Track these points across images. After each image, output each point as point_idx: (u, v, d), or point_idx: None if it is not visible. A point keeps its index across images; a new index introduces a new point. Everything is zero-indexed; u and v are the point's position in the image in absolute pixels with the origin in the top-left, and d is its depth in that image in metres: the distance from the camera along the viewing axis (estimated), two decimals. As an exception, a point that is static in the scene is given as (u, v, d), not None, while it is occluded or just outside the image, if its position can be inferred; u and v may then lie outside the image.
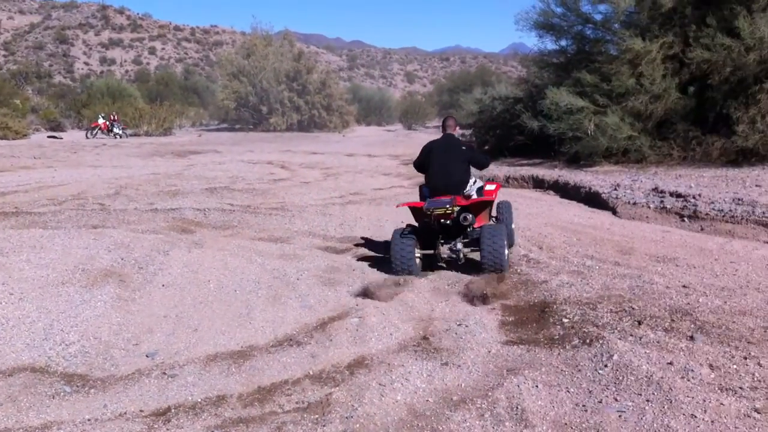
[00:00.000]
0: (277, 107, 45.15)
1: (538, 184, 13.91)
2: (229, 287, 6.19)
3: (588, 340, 4.57)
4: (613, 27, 16.17)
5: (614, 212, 10.39)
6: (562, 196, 12.57)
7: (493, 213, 7.96)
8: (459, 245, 6.91)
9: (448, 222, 6.85)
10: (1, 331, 4.81)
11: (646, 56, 14.42)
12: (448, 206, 6.66)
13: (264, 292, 6.08)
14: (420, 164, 7.85)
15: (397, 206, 8.07)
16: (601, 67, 15.18)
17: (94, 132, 35.78)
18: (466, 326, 5.07)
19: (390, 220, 9.89)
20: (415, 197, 8.40)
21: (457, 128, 8.31)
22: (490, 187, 7.77)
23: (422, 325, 5.19)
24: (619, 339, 4.53)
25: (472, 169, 7.65)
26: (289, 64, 46.58)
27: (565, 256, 7.33)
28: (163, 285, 6.19)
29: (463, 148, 7.65)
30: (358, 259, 7.51)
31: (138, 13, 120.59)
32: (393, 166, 19.31)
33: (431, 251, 7.00)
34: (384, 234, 8.93)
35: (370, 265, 7.20)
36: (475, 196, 7.31)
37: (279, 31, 53.27)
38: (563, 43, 18.32)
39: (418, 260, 6.92)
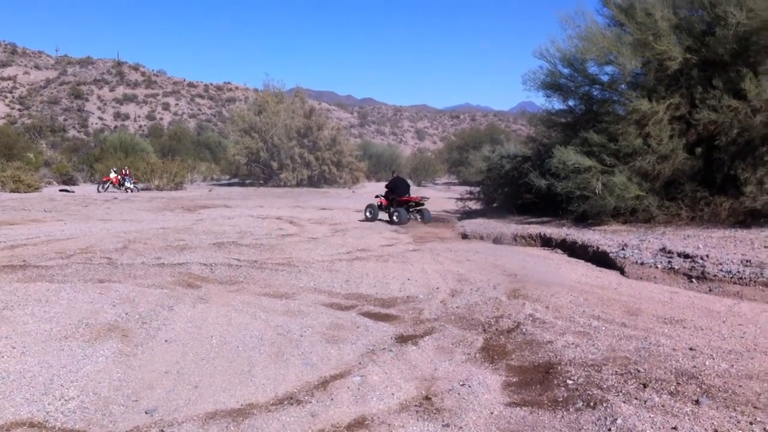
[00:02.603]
0: (288, 163, 45.48)
1: (546, 242, 13.87)
2: (231, 343, 6.17)
3: (592, 403, 4.52)
4: (619, 88, 16.29)
5: (622, 272, 10.34)
6: (569, 255, 12.53)
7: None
8: (416, 213, 19.61)
9: (417, 203, 19.74)
10: (2, 385, 4.78)
11: (652, 117, 14.51)
12: (421, 199, 20.00)
13: (267, 348, 6.04)
14: (390, 188, 20.18)
15: (376, 196, 20.84)
16: (609, 127, 15.27)
17: (106, 186, 36.10)
18: (469, 386, 5.02)
19: (396, 276, 9.90)
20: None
21: (396, 174, 21.74)
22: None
23: (425, 385, 5.13)
24: (624, 402, 4.47)
25: None
26: (300, 121, 47.03)
27: (571, 316, 7.26)
28: (165, 340, 6.17)
29: (408, 182, 21.29)
30: (363, 317, 7.47)
31: (153, 70, 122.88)
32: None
33: (387, 214, 19.62)
34: (389, 291, 8.93)
35: (374, 322, 7.16)
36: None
37: (291, 89, 54.01)
38: (571, 103, 18.47)
39: (380, 216, 19.83)
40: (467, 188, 25.90)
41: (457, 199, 23.00)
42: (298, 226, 17.68)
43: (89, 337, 6.06)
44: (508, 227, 15.59)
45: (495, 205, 20.63)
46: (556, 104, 18.86)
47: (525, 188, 17.74)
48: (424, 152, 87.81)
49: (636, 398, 4.56)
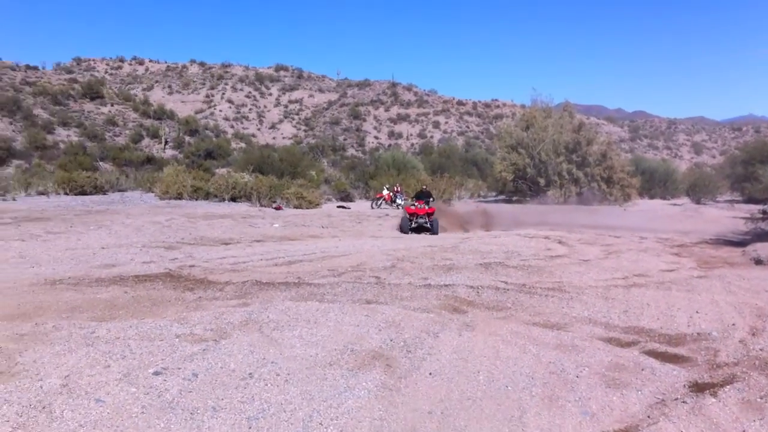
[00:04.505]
0: (555, 179, 44.31)
1: None
2: (500, 381, 5.64)
3: None
4: None
5: None
6: None
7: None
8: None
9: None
10: (261, 420, 4.63)
11: None
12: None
13: (539, 390, 5.44)
14: (415, 197, 23.15)
15: (405, 208, 23.10)
16: None
17: (379, 202, 37.46)
18: (793, 461, 4.06)
19: (681, 308, 8.81)
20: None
21: (425, 187, 26.16)
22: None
23: (733, 453, 4.25)
24: None
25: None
26: (569, 136, 45.55)
27: None
28: (430, 373, 5.79)
29: (431, 196, 23.19)
30: (646, 356, 6.59)
31: (424, 90, 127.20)
32: (682, 245, 17.73)
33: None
34: (675, 326, 7.92)
35: (661, 364, 6.27)
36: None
37: (559, 103, 52.61)
38: None
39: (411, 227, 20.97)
40: (756, 207, 23.26)
41: (746, 218, 20.61)
42: (568, 247, 16.80)
43: (353, 366, 5.85)
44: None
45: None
46: None
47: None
48: (702, 167, 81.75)
49: None
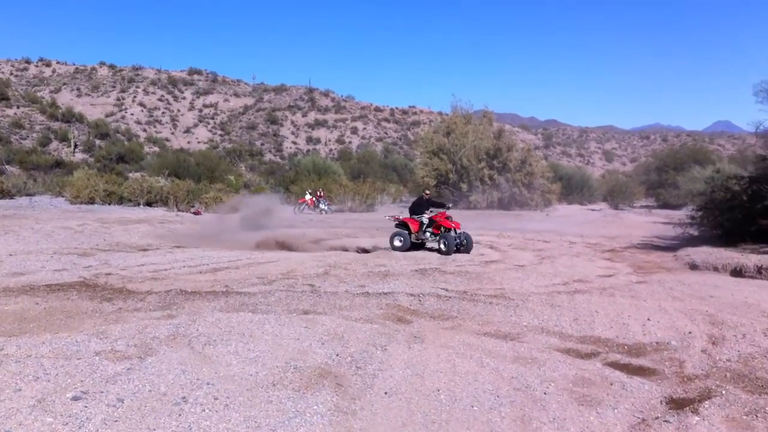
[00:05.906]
0: (477, 185, 44.43)
1: (799, 275, 11.83)
2: (464, 400, 5.10)
3: None
4: None
5: None
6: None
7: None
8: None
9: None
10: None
11: None
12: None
13: (507, 410, 4.92)
14: (413, 210, 17.03)
15: (392, 217, 18.04)
16: None
17: (301, 207, 36.69)
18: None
19: (631, 315, 8.48)
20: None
21: (427, 192, 18.92)
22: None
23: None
24: None
25: None
26: (489, 142, 45.85)
27: None
28: (385, 392, 5.20)
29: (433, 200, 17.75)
30: (611, 368, 6.16)
31: (342, 95, 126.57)
32: (612, 249, 17.65)
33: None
34: (631, 334, 7.56)
35: (628, 377, 5.84)
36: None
37: (477, 110, 52.90)
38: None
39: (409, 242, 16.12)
40: (671, 212, 23.49)
41: (674, 224, 20.76)
42: (500, 252, 16.48)
43: (299, 385, 5.21)
44: (747, 257, 13.53)
45: (719, 231, 18.35)
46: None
47: (760, 213, 15.55)
48: (615, 174, 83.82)
49: None
